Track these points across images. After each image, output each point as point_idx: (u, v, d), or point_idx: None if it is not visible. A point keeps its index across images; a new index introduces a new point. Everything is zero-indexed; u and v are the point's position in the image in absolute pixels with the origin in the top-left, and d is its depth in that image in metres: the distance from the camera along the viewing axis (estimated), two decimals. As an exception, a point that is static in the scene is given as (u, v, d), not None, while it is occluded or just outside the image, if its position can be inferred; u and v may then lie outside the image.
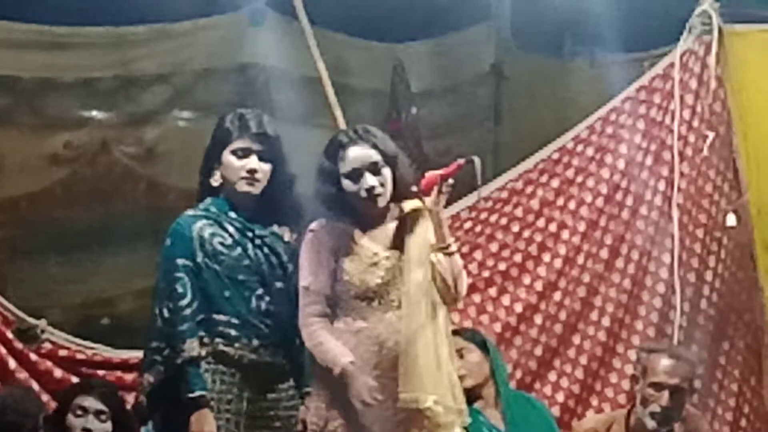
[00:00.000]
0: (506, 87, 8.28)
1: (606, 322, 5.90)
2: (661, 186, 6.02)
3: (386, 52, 7.91)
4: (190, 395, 4.36)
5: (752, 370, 6.03)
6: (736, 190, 6.09)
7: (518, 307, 5.85)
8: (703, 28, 6.11)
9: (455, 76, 8.22)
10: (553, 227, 5.95)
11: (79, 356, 5.44)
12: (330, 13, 6.97)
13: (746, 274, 6.07)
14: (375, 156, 4.36)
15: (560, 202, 6.00)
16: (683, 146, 6.04)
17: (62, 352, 5.41)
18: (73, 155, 6.97)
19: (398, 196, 4.42)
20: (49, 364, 5.31)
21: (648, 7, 6.84)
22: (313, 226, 4.45)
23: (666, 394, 4.98)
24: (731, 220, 5.99)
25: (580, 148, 6.07)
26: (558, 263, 5.91)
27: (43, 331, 5.39)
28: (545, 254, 5.92)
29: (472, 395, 4.98)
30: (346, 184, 4.37)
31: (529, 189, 6.01)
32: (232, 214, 4.55)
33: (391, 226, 4.43)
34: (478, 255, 5.88)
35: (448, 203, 4.46)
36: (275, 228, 4.59)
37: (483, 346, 5.18)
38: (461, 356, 4.97)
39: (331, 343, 4.31)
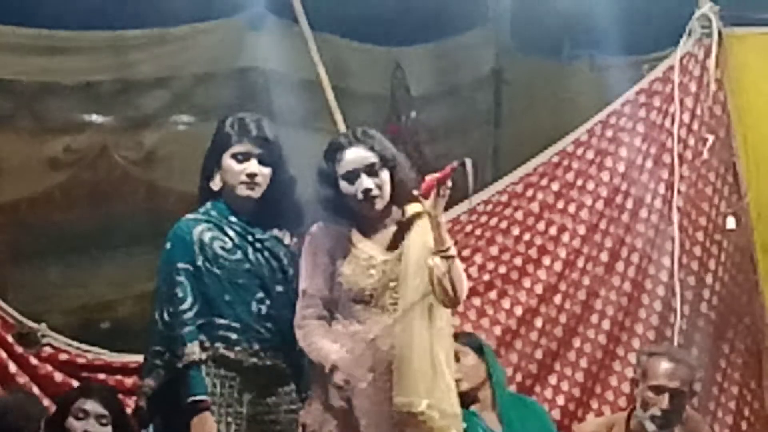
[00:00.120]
0: (506, 90, 8.29)
1: (606, 325, 5.89)
2: (661, 189, 6.02)
3: (386, 55, 7.92)
4: (191, 399, 4.36)
5: (752, 373, 6.03)
6: (736, 193, 6.09)
7: (518, 311, 5.85)
8: (703, 31, 6.12)
9: (455, 79, 8.22)
10: (553, 230, 5.95)
11: (80, 360, 5.44)
12: (329, 17, 6.98)
13: (746, 277, 6.07)
14: (372, 158, 4.36)
15: (560, 205, 6.00)
16: (683, 149, 6.04)
17: (62, 356, 5.40)
18: (73, 159, 6.97)
19: (398, 198, 4.41)
20: (49, 368, 5.30)
21: (647, 10, 6.84)
22: (312, 229, 4.46)
23: (666, 397, 4.98)
24: (731, 223, 5.99)
25: (579, 151, 6.07)
26: (558, 266, 5.91)
27: (43, 335, 5.38)
28: (545, 257, 5.92)
29: (468, 398, 4.99)
30: (343, 185, 4.37)
31: (529, 192, 6.01)
32: (233, 218, 4.55)
33: (390, 228, 4.43)
34: (478, 258, 5.88)
35: (447, 206, 4.45)
36: (275, 232, 4.60)
37: (479, 349, 5.18)
38: (457, 360, 4.97)
39: (322, 341, 4.30)
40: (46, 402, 5.07)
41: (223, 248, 4.49)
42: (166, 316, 4.43)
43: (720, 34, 6.10)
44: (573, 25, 7.42)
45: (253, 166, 4.51)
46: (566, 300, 5.89)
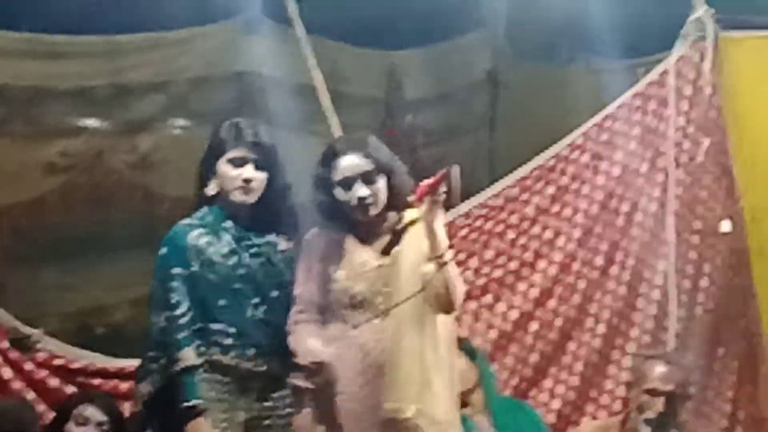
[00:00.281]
0: (501, 94, 8.29)
1: (601, 329, 5.90)
2: (656, 192, 6.03)
3: (381, 59, 7.92)
4: (186, 404, 4.35)
5: (747, 377, 6.03)
6: (731, 197, 6.10)
7: (514, 315, 5.86)
8: (698, 34, 6.13)
9: (450, 83, 8.22)
10: (548, 234, 5.97)
11: (75, 365, 5.44)
12: (325, 21, 6.97)
13: (741, 281, 6.08)
14: (367, 165, 4.35)
15: (556, 209, 6.01)
16: (678, 153, 6.05)
17: (58, 361, 5.40)
18: (68, 164, 6.96)
19: (395, 204, 4.41)
20: (44, 373, 5.30)
21: (643, 13, 6.84)
22: (307, 235, 4.46)
23: (661, 400, 4.99)
24: (726, 226, 6.00)
25: (575, 155, 6.08)
26: (553, 270, 5.92)
27: (38, 341, 5.38)
28: (540, 261, 5.94)
29: (459, 402, 4.99)
30: (338, 192, 4.37)
31: (525, 196, 6.02)
32: (228, 223, 4.54)
33: (386, 234, 4.43)
34: (473, 262, 5.89)
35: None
36: (271, 237, 4.59)
37: (470, 353, 5.19)
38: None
39: (309, 341, 4.28)
40: (41, 407, 5.07)
41: (218, 253, 4.48)
42: (161, 321, 4.42)
43: (715, 37, 6.11)
44: (568, 28, 7.42)
45: (248, 171, 4.51)
46: (561, 304, 5.90)
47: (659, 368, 5.05)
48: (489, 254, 5.92)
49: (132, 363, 4.98)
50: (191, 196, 4.66)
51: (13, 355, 5.27)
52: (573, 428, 5.72)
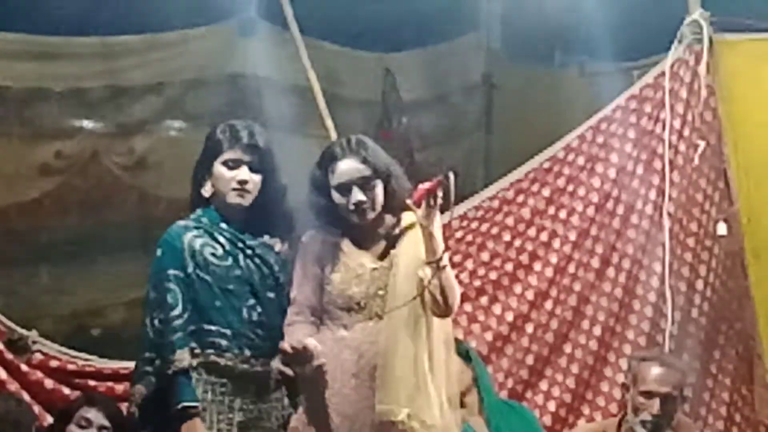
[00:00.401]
0: (497, 96, 8.31)
1: (597, 330, 5.90)
2: (652, 195, 6.02)
3: (377, 61, 7.93)
4: (181, 405, 4.35)
5: (743, 379, 6.03)
6: (726, 199, 6.09)
7: (509, 316, 5.85)
8: (694, 37, 6.12)
9: (446, 85, 8.24)
10: (544, 236, 5.96)
11: (70, 367, 5.42)
12: (320, 23, 6.98)
13: (737, 283, 6.07)
14: (365, 171, 4.34)
15: (551, 211, 6.00)
16: (674, 155, 6.05)
17: (53, 363, 5.38)
18: (64, 165, 6.96)
19: (391, 208, 4.41)
20: (39, 374, 5.28)
21: (638, 16, 6.84)
22: (303, 237, 4.46)
23: (657, 402, 4.98)
24: (722, 228, 5.99)
25: (570, 157, 6.07)
26: (549, 272, 5.91)
27: (33, 342, 5.36)
28: (536, 263, 5.93)
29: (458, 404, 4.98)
30: (336, 196, 4.36)
31: (520, 198, 6.01)
32: (223, 225, 4.55)
33: (383, 237, 4.42)
34: (469, 264, 5.88)
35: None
36: (266, 238, 4.59)
37: (465, 355, 5.18)
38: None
39: (306, 339, 4.27)
40: (36, 409, 5.06)
41: (213, 255, 4.49)
42: (156, 322, 4.42)
43: (711, 40, 6.10)
44: (564, 31, 7.43)
45: (243, 173, 4.51)
46: (557, 306, 5.89)
47: (655, 370, 5.04)
48: (485, 256, 5.91)
49: (127, 364, 4.97)
50: (186, 198, 4.66)
51: (9, 356, 5.25)
52: (569, 430, 5.71)
